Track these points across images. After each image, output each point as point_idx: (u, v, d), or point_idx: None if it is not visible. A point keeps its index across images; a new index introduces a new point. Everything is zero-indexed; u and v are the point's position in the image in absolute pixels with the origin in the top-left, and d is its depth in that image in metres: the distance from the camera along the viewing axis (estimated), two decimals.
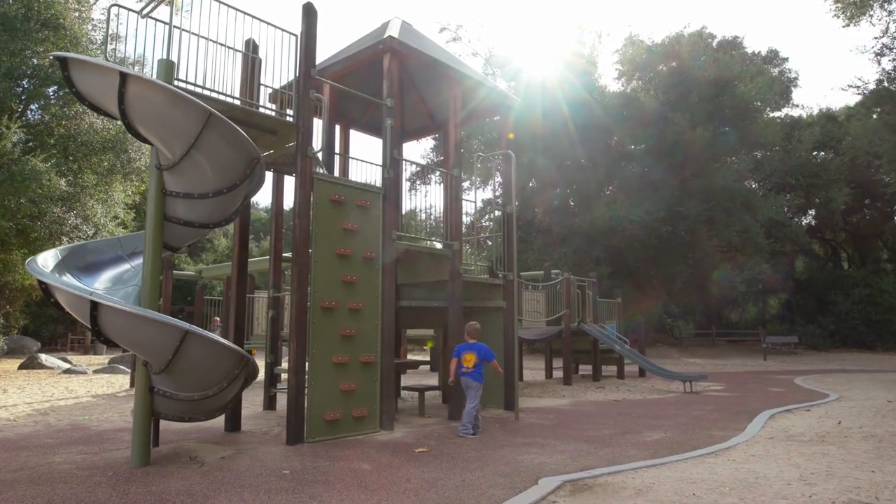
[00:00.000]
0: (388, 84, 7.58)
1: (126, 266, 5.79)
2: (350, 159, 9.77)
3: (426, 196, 13.56)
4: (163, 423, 5.87)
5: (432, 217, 10.38)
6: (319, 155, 8.30)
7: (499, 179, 23.71)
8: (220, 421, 6.92)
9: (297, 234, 6.33)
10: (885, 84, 16.26)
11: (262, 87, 7.29)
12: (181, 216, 5.50)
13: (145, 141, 5.36)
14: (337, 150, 9.78)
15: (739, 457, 5.58)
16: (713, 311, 35.67)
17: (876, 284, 31.63)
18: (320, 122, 8.78)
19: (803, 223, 36.85)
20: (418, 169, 32.76)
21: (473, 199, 9.47)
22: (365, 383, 6.74)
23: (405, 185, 12.37)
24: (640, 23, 79.37)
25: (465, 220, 11.87)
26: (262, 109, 6.83)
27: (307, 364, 6.25)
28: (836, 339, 31.10)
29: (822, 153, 34.13)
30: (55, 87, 15.74)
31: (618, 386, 13.29)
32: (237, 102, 6.39)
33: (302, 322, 6.23)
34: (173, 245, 5.75)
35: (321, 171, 7.05)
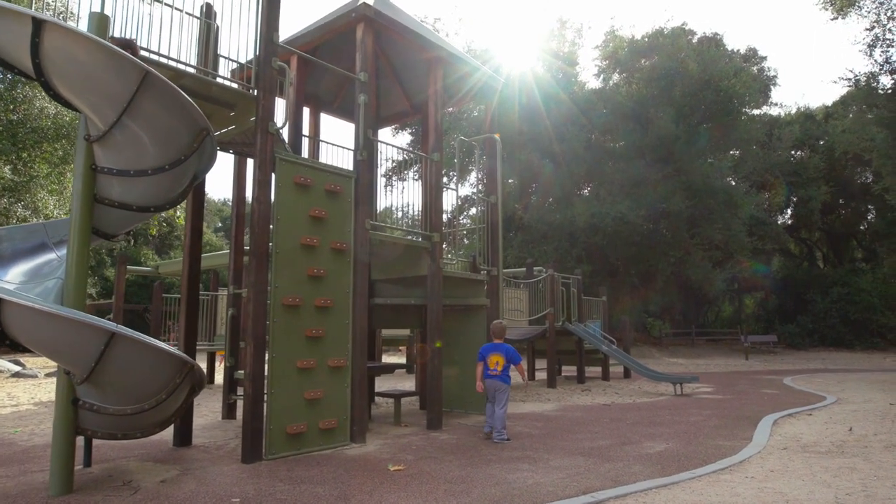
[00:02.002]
0: (361, 57, 6.80)
1: (51, 256, 4.94)
2: (321, 143, 8.96)
3: (403, 192, 12.81)
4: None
5: (408, 216, 9.61)
6: (286, 134, 7.51)
7: (479, 175, 22.98)
8: (169, 433, 6.10)
9: (256, 221, 5.53)
10: (877, 75, 15.99)
11: (220, 59, 6.50)
12: (116, 197, 4.67)
13: (70, 107, 4.52)
14: (306, 133, 8.99)
15: (757, 472, 4.93)
16: (692, 310, 35.45)
17: (854, 283, 31.63)
18: (287, 102, 8.02)
19: (779, 222, 36.82)
20: (395, 165, 32.06)
21: (455, 189, 8.73)
22: (334, 390, 5.97)
23: (381, 182, 11.70)
24: (621, 18, 79.46)
25: (445, 216, 11.12)
26: (219, 80, 6.00)
27: (266, 370, 5.46)
28: (814, 338, 31.02)
29: (801, 152, 34.10)
30: None
31: (604, 388, 12.67)
32: (190, 70, 5.56)
33: (261, 322, 5.43)
34: (108, 231, 4.92)
35: (286, 150, 6.25)
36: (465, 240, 26.75)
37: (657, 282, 28.59)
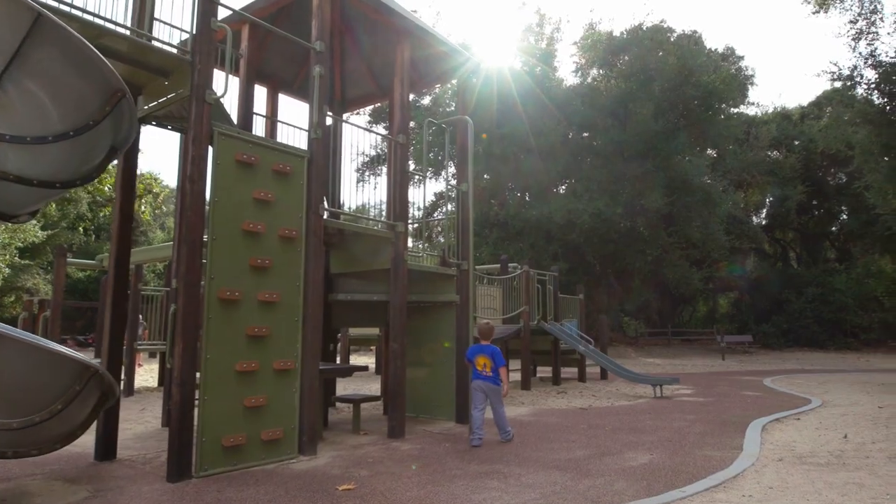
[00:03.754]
0: (317, 24, 6.08)
1: None
2: (279, 124, 8.25)
3: (375, 189, 12.08)
4: None
5: (382, 213, 8.91)
6: (234, 111, 6.80)
7: (452, 171, 22.29)
8: (91, 444, 5.36)
9: (188, 204, 4.82)
10: (861, 69, 15.78)
11: (163, 27, 5.78)
12: (12, 169, 3.92)
13: None
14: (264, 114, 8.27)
15: (755, 490, 4.36)
16: (668, 310, 35.24)
17: (828, 283, 31.63)
18: (234, 75, 7.30)
19: (753, 222, 36.81)
20: (367, 159, 31.29)
21: (423, 177, 8.04)
22: (279, 396, 5.27)
23: (353, 177, 11.00)
24: (600, 12, 79.33)
25: (419, 211, 10.43)
26: (148, 42, 5.25)
27: (199, 373, 4.75)
28: (789, 338, 30.92)
29: (777, 152, 34.06)
30: None
31: (581, 391, 12.11)
32: (115, 28, 4.82)
33: (192, 318, 4.72)
34: (4, 211, 4.18)
35: (231, 125, 5.53)
36: (439, 237, 26.15)
37: (634, 280, 28.26)
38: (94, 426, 4.79)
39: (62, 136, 3.87)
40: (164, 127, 6.18)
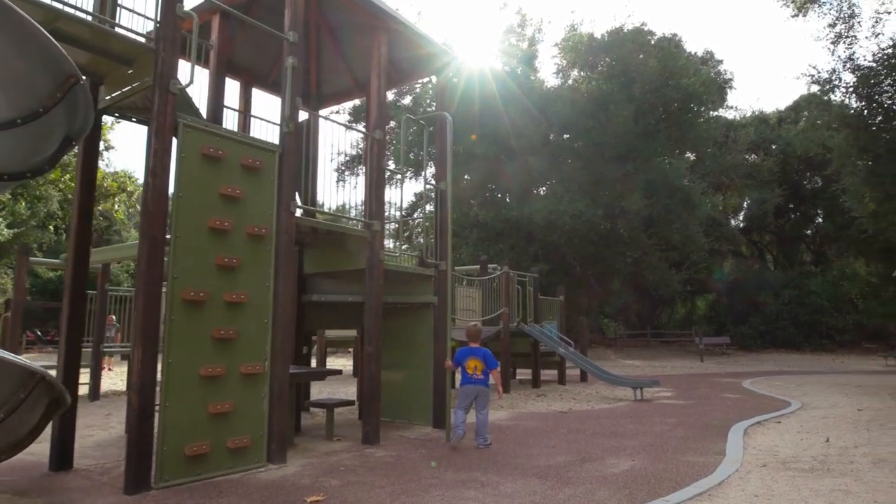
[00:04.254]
0: (290, 14, 5.84)
1: None
2: (252, 119, 7.99)
3: (355, 189, 11.82)
4: None
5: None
6: (204, 105, 6.54)
7: (433, 171, 22.07)
8: (45, 453, 5.07)
9: (150, 198, 4.56)
10: (839, 72, 15.89)
11: (129, 15, 5.51)
12: None
13: None
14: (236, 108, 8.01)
15: (740, 498, 4.22)
16: (648, 311, 35.40)
17: (804, 286, 31.99)
18: (203, 66, 7.03)
19: (731, 224, 37.12)
20: (348, 159, 30.98)
21: (400, 175, 7.83)
22: (247, 402, 5.02)
23: (332, 177, 10.77)
24: (581, 13, 79.59)
25: (400, 212, 10.19)
26: (109, 29, 4.98)
27: (161, 378, 4.49)
28: (766, 340, 31.22)
29: (755, 155, 34.38)
30: None
31: (561, 393, 11.97)
32: (74, 12, 4.54)
33: (152, 320, 4.46)
34: None
35: (199, 118, 5.27)
36: (419, 238, 25.90)
37: (614, 282, 28.28)
38: (48, 434, 4.52)
39: (9, 123, 3.59)
40: (129, 119, 5.90)
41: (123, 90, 5.26)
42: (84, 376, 11.57)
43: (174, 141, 4.74)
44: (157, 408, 4.48)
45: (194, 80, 4.92)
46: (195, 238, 4.79)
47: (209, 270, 4.85)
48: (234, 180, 5.11)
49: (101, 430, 7.18)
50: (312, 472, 4.98)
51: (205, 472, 4.67)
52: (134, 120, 5.93)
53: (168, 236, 4.67)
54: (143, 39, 5.21)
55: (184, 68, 4.96)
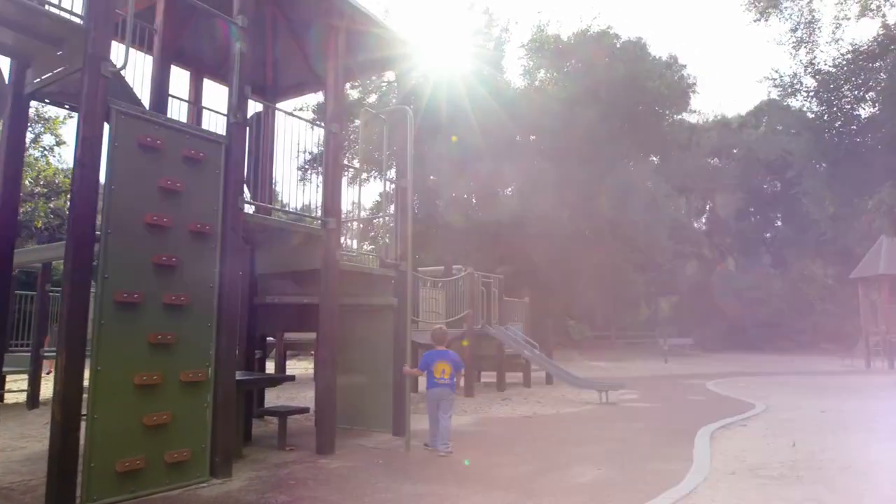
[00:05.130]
0: None
1: None
2: (204, 111, 7.57)
3: (318, 189, 11.41)
4: None
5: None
6: (146, 95, 6.12)
7: (393, 174, 21.69)
8: None
9: (77, 191, 4.17)
10: (800, 77, 16.12)
11: None
12: None
13: None
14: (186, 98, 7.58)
15: None
16: (612, 313, 35.58)
17: (765, 288, 32.55)
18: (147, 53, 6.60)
19: (694, 227, 37.63)
20: (311, 157, 30.36)
21: (358, 172, 7.54)
22: (187, 412, 4.64)
23: (295, 175, 10.33)
24: (548, 14, 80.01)
25: (364, 212, 9.83)
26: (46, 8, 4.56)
27: (88, 387, 4.10)
28: (728, 341, 31.65)
29: (717, 159, 34.91)
30: None
31: (526, 397, 11.76)
32: None
33: (78, 324, 4.06)
34: None
35: (138, 105, 4.88)
36: (386, 238, 25.53)
37: (579, 284, 28.28)
38: None
39: None
40: (62, 106, 5.51)
41: (54, 72, 4.85)
42: (22, 383, 10.96)
43: (106, 128, 4.35)
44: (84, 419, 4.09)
45: (136, 65, 4.56)
46: (130, 235, 4.41)
47: (145, 270, 4.47)
48: (175, 172, 4.73)
49: (35, 442, 6.68)
50: (259, 487, 4.63)
51: (139, 490, 4.28)
52: (66, 106, 5.52)
53: (98, 233, 4.27)
54: (77, 20, 4.80)
55: (120, 52, 4.58)
